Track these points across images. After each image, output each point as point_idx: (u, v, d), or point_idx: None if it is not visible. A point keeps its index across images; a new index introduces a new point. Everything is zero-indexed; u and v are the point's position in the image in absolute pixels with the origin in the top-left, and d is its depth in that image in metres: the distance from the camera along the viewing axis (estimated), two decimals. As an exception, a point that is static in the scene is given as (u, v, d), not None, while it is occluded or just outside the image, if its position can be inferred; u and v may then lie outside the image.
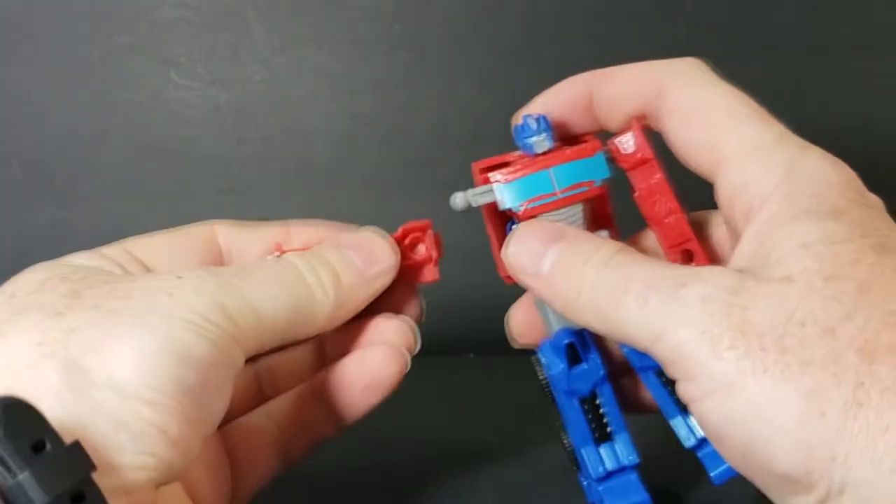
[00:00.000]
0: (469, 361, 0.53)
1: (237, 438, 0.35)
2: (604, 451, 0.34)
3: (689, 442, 0.33)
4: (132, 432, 0.25)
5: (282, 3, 0.56)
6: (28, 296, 0.28)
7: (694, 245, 0.32)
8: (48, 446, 0.23)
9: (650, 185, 0.33)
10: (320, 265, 0.32)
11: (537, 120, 0.33)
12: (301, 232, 0.35)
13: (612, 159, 0.33)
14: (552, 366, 0.33)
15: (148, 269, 0.32)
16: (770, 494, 0.26)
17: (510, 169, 0.33)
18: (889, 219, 0.28)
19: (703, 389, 0.26)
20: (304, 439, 0.35)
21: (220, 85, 0.57)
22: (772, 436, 0.25)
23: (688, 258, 0.33)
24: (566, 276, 0.30)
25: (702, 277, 0.27)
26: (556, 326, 0.34)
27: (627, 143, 0.33)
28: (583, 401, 0.33)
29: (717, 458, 0.31)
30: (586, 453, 0.33)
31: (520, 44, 0.56)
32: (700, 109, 0.31)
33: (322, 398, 0.35)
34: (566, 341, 0.33)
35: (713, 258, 0.33)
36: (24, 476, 0.22)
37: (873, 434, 0.24)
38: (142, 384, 0.26)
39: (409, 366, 0.34)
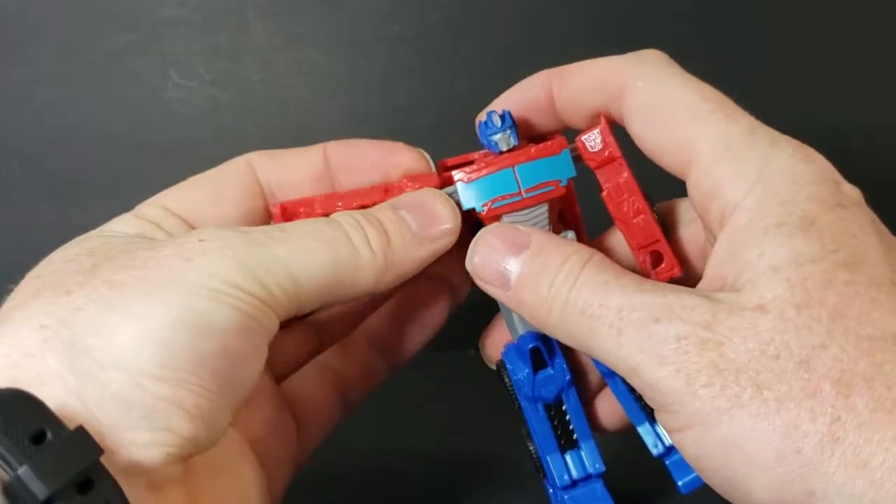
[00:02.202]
0: (470, 358, 0.53)
1: (297, 392, 0.34)
2: (569, 458, 0.33)
3: (656, 450, 0.32)
4: (143, 410, 0.25)
5: (282, 3, 0.56)
6: (50, 275, 0.27)
7: (662, 246, 0.32)
8: (49, 435, 0.23)
9: (618, 184, 0.32)
10: (368, 225, 0.30)
11: (502, 116, 0.32)
12: (340, 153, 0.33)
13: (579, 157, 0.32)
14: (517, 370, 0.32)
15: (189, 225, 0.31)
16: None
17: (472, 167, 0.32)
18: (864, 217, 0.27)
19: (680, 423, 0.26)
20: (362, 384, 0.35)
21: (220, 85, 0.57)
22: (748, 472, 0.25)
23: (656, 259, 0.32)
24: (533, 292, 0.29)
25: (675, 312, 0.26)
26: (521, 330, 0.33)
27: (594, 140, 0.32)
28: (548, 407, 0.33)
29: (684, 466, 0.31)
30: (551, 460, 0.33)
31: (520, 44, 0.56)
32: (662, 109, 0.30)
33: (375, 342, 0.34)
34: (531, 346, 0.32)
35: (681, 258, 0.32)
36: (23, 470, 0.22)
37: (851, 470, 0.23)
38: (149, 360, 0.25)
39: (461, 300, 0.33)
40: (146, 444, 0.25)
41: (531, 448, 0.33)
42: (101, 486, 0.23)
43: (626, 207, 0.32)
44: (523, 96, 0.33)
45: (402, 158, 0.32)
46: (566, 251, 0.29)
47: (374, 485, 0.41)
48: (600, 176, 0.32)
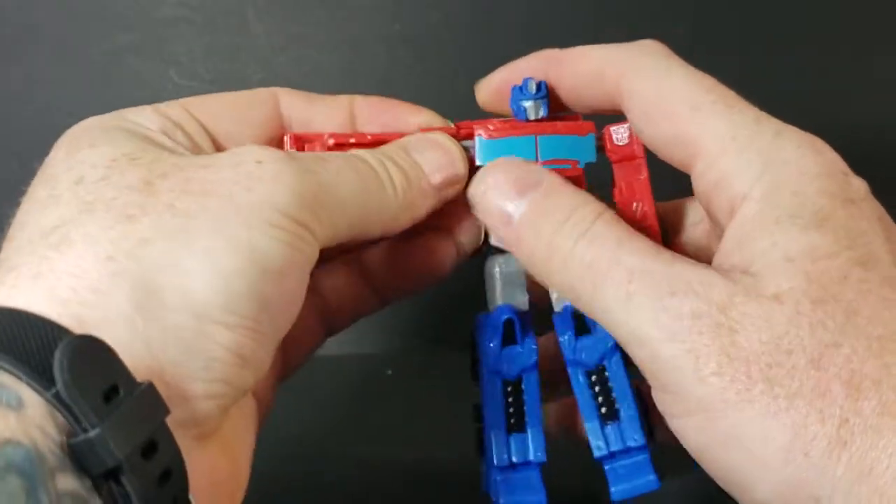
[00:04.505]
0: (469, 359, 0.53)
1: None
2: (513, 440, 0.32)
3: (599, 452, 0.31)
4: (205, 359, 0.24)
5: (282, 3, 0.56)
6: (96, 183, 0.25)
7: None
8: (121, 392, 0.21)
9: (632, 184, 0.31)
10: (390, 163, 0.29)
11: (538, 85, 0.31)
12: (366, 108, 0.33)
13: (601, 147, 0.32)
14: (487, 340, 0.32)
15: (211, 136, 0.30)
16: None
17: (497, 125, 0.31)
18: (873, 214, 0.27)
19: (682, 408, 0.25)
20: (347, 314, 0.34)
21: (220, 85, 0.57)
22: (753, 470, 0.24)
23: None
24: (535, 236, 0.28)
25: (692, 287, 0.25)
26: (500, 302, 0.32)
27: (622, 133, 0.32)
28: (506, 383, 0.32)
29: (622, 476, 0.30)
30: (495, 437, 0.32)
31: (520, 44, 0.56)
32: (664, 103, 0.29)
33: (369, 275, 0.33)
34: (505, 318, 0.31)
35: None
36: (94, 433, 0.20)
37: (856, 476, 0.23)
38: (219, 306, 0.24)
39: (465, 256, 0.33)
40: (202, 395, 0.24)
41: (476, 424, 0.32)
42: (163, 449, 0.21)
43: (635, 208, 0.31)
44: (513, 76, 0.33)
45: (424, 118, 0.33)
46: (579, 199, 0.28)
47: (371, 485, 0.41)
48: (617, 171, 0.32)
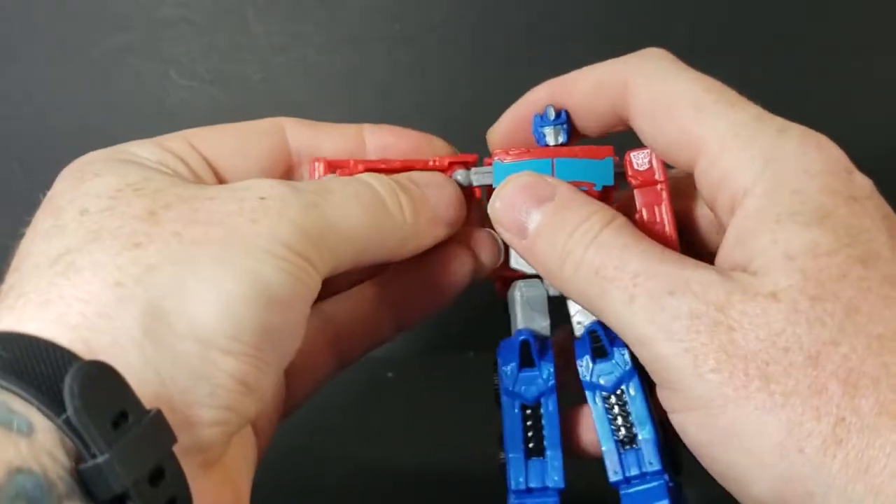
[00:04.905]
0: (470, 360, 0.53)
1: None
2: (531, 465, 0.31)
3: (615, 476, 0.31)
4: (211, 385, 0.24)
5: (282, 3, 0.56)
6: (101, 213, 0.25)
7: None
8: (130, 418, 0.21)
9: (652, 209, 0.32)
10: (402, 192, 0.30)
11: (558, 112, 0.32)
12: (375, 136, 0.33)
13: (622, 172, 0.32)
14: (503, 362, 0.32)
15: (214, 169, 0.30)
16: None
17: (515, 151, 0.32)
18: (876, 212, 0.27)
19: (682, 404, 0.26)
20: (363, 342, 0.34)
21: (220, 85, 0.57)
22: (749, 465, 0.25)
23: None
24: (549, 245, 0.29)
25: (690, 287, 0.26)
26: (520, 325, 0.33)
27: (642, 159, 0.32)
28: (524, 407, 0.32)
29: (636, 501, 0.30)
30: (512, 461, 0.31)
31: (520, 44, 0.56)
32: (665, 106, 0.29)
33: (385, 298, 0.33)
34: (521, 339, 0.32)
35: (698, 240, 0.32)
36: (103, 459, 0.20)
37: (853, 474, 0.23)
38: (224, 333, 0.24)
39: (483, 272, 0.33)
40: (208, 422, 0.24)
41: (500, 454, 0.32)
42: (170, 476, 0.21)
43: (656, 232, 0.31)
44: (529, 110, 0.33)
45: (437, 147, 0.33)
46: (589, 209, 0.29)
47: (370, 488, 0.41)
48: (639, 197, 0.32)
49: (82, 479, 0.20)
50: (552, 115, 0.32)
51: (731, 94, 0.29)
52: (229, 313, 0.24)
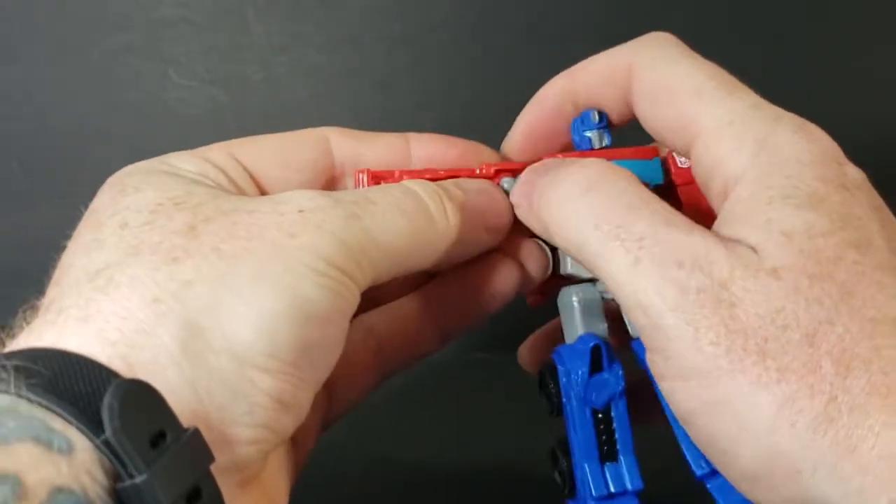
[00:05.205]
0: (473, 360, 0.53)
1: None
2: (607, 470, 0.31)
3: (700, 470, 0.30)
4: (248, 403, 0.23)
5: (282, 3, 0.56)
6: (141, 228, 0.25)
7: None
8: (168, 438, 0.21)
9: (699, 208, 0.31)
10: (447, 198, 0.29)
11: (600, 114, 0.32)
12: (420, 145, 0.33)
13: (666, 170, 0.32)
14: (572, 370, 0.31)
15: (255, 181, 0.30)
16: (734, 486, 0.26)
17: (566, 155, 0.32)
18: (869, 199, 0.27)
19: (674, 371, 0.26)
20: (406, 354, 0.33)
21: (220, 85, 0.57)
22: (738, 437, 0.25)
23: None
24: (547, 202, 0.29)
25: (698, 263, 0.25)
26: (581, 331, 0.32)
27: (685, 158, 0.32)
28: (595, 412, 0.31)
29: (730, 490, 0.29)
30: (589, 469, 0.31)
31: (520, 44, 0.56)
32: (666, 89, 0.30)
33: (429, 309, 0.33)
34: (592, 344, 0.31)
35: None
36: (141, 479, 0.20)
37: (841, 452, 0.23)
38: (261, 350, 0.24)
39: (532, 282, 0.32)
40: (245, 441, 0.24)
41: (563, 463, 0.32)
42: (207, 496, 0.21)
43: None
44: (543, 109, 0.33)
45: (485, 156, 0.33)
46: (589, 161, 0.29)
47: (372, 486, 0.41)
48: (683, 195, 0.32)
49: (120, 499, 0.20)
50: (596, 118, 0.32)
51: (732, 82, 0.29)
52: (266, 330, 0.24)
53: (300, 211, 0.26)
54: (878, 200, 0.27)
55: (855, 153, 0.28)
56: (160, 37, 0.56)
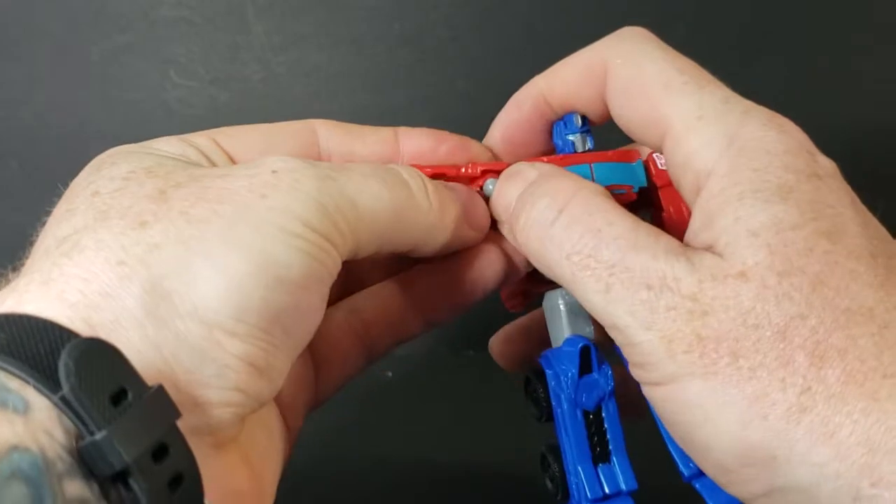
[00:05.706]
0: (469, 359, 0.53)
1: (320, 335, 0.30)
2: (601, 472, 0.31)
3: (688, 471, 0.31)
4: (217, 366, 0.23)
5: (282, 3, 0.56)
6: (111, 194, 0.25)
7: None
8: (129, 395, 0.20)
9: (680, 208, 0.31)
10: (423, 177, 0.29)
11: (582, 118, 0.32)
12: (410, 139, 0.32)
13: (647, 172, 0.32)
14: (561, 373, 0.31)
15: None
16: (714, 480, 0.26)
17: (551, 158, 0.32)
18: (840, 189, 0.27)
19: (652, 378, 0.26)
20: (391, 336, 0.33)
21: (219, 84, 0.57)
22: (710, 432, 0.25)
23: None
24: (525, 222, 0.29)
25: (666, 283, 0.26)
26: (567, 333, 0.32)
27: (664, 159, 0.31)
28: (586, 414, 0.31)
29: (718, 490, 0.29)
30: (583, 471, 0.31)
31: (520, 44, 0.56)
32: (637, 84, 0.29)
33: (414, 294, 0.33)
34: (582, 345, 0.31)
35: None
36: (101, 435, 0.20)
37: (817, 438, 0.23)
38: (228, 314, 0.23)
39: (517, 274, 0.32)
40: (217, 403, 0.23)
41: (554, 468, 0.32)
42: (174, 452, 0.21)
43: (681, 235, 0.31)
44: (521, 111, 0.33)
45: (474, 152, 0.33)
46: (559, 180, 0.29)
47: (369, 485, 0.41)
48: (664, 197, 0.32)
49: (82, 458, 0.20)
50: (578, 122, 0.32)
51: (703, 77, 0.29)
52: (234, 294, 0.23)
53: (273, 172, 0.26)
54: (850, 191, 0.27)
55: (854, 153, 0.28)
56: (160, 37, 0.56)
